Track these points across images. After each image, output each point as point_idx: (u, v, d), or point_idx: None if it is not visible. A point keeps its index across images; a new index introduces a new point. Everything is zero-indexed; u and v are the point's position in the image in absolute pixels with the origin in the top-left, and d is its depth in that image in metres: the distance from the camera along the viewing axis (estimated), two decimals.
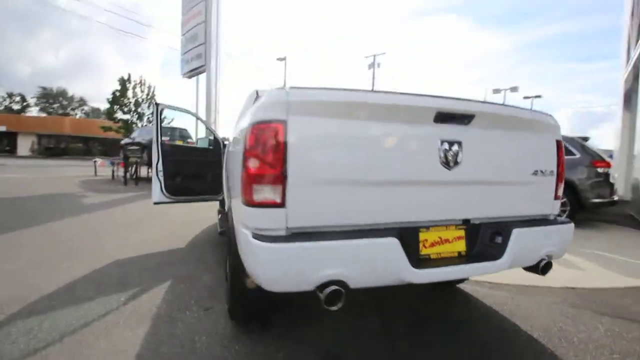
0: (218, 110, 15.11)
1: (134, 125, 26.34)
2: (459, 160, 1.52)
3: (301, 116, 1.31)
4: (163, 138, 4.10)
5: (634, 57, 7.27)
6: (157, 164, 4.01)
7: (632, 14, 7.86)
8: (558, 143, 1.85)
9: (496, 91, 27.18)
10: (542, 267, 1.69)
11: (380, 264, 1.34)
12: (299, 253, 1.24)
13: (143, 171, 12.49)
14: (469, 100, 1.57)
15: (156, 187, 4.03)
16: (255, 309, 1.97)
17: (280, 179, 1.28)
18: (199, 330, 2.00)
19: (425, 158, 1.48)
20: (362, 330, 2.06)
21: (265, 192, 1.30)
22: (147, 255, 3.51)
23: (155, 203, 4.06)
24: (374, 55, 28.34)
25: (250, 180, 1.33)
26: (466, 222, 1.64)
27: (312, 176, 1.32)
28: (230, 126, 3.46)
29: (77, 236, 4.21)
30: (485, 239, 1.65)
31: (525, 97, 27.60)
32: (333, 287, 1.25)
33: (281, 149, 1.28)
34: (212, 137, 4.72)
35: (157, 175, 4.01)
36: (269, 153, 1.29)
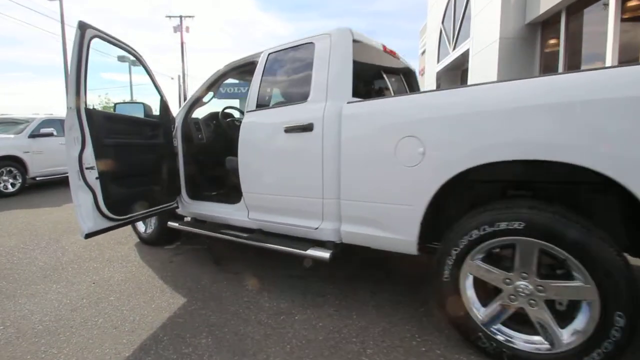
0: None
1: None
2: None
3: None
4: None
5: (451, 57, 9.77)
6: (80, 152, 1.99)
7: (443, 20, 10.43)
8: None
9: None
10: None
11: None
12: None
13: None
14: None
15: (86, 202, 2.04)
16: None
17: None
18: None
19: None
20: None
21: None
22: (162, 327, 1.70)
23: (88, 235, 2.04)
24: (181, 17, 24.79)
25: None
26: None
27: None
28: None
29: None
30: None
31: None
32: None
33: None
34: (142, 104, 2.75)
35: (85, 179, 2.00)
36: None
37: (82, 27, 1.87)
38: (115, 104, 2.65)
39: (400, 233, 1.69)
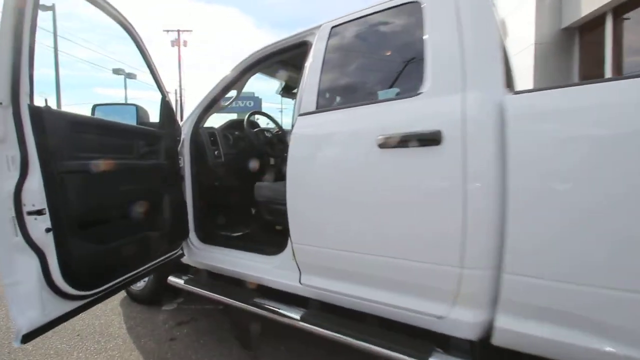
0: None
1: None
2: None
3: None
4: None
5: None
6: (19, 185, 1.08)
7: None
8: None
9: None
10: None
11: None
12: None
13: None
14: None
15: (27, 276, 1.11)
16: None
17: None
18: None
19: None
20: None
21: None
22: None
23: (28, 337, 1.11)
24: (178, 31, 24.63)
25: None
26: None
27: None
28: None
29: None
30: None
31: None
32: None
33: None
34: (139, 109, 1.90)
35: (26, 232, 1.09)
36: None
37: None
38: (95, 106, 1.78)
39: None
